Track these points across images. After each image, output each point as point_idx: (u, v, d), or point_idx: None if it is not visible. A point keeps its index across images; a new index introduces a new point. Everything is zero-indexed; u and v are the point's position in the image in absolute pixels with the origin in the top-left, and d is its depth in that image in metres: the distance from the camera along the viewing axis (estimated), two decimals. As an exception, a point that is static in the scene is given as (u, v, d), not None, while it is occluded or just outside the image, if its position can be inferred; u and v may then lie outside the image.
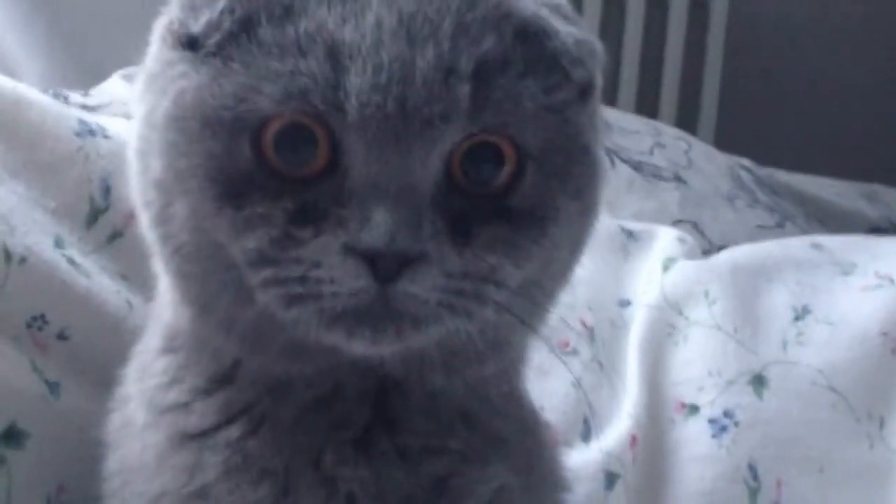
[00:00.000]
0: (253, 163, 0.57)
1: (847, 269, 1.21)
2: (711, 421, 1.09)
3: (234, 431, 0.64)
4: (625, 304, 1.22)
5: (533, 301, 0.63)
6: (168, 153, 0.59)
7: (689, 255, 1.29)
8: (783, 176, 1.97)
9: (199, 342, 0.66)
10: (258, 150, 0.57)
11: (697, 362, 1.14)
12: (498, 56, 0.59)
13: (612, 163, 1.68)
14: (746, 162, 1.95)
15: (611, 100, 2.44)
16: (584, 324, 1.14)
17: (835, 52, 2.70)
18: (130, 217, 0.86)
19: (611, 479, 1.04)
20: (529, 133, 0.60)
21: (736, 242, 1.43)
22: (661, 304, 1.19)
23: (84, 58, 1.81)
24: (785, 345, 1.14)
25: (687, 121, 2.51)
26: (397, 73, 0.56)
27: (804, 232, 1.66)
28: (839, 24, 2.71)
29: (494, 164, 0.59)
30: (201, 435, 0.65)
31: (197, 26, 0.59)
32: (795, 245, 1.31)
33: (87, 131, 0.95)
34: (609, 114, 1.84)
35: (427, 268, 0.56)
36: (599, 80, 0.65)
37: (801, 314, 1.16)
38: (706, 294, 1.19)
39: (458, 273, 0.57)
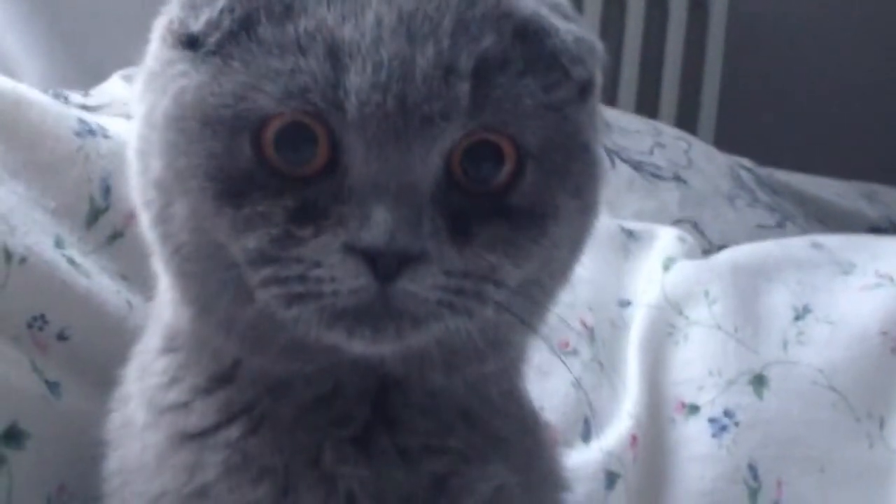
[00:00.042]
0: (253, 162, 0.57)
1: (847, 269, 1.22)
2: (712, 420, 1.10)
3: (234, 431, 0.64)
4: (625, 303, 1.22)
5: (533, 300, 0.64)
6: (168, 152, 0.59)
7: (690, 255, 1.29)
8: (783, 176, 1.97)
9: (199, 342, 0.66)
10: (258, 149, 0.57)
11: (698, 362, 1.14)
12: (498, 54, 0.59)
13: (613, 163, 1.68)
14: (746, 162, 1.95)
15: (611, 100, 2.44)
16: (584, 324, 1.14)
17: (834, 51, 2.70)
18: (130, 217, 0.86)
19: (611, 478, 1.04)
20: (529, 131, 0.60)
21: (736, 242, 1.43)
22: (662, 303, 1.19)
23: (84, 58, 1.81)
24: (785, 344, 1.14)
25: (687, 120, 2.52)
26: (397, 71, 0.56)
27: (804, 231, 1.66)
28: (839, 23, 2.71)
29: (494, 163, 0.59)
30: (201, 434, 0.65)
31: (197, 25, 0.59)
32: (795, 245, 1.31)
33: (87, 131, 0.95)
34: (609, 114, 1.84)
35: (427, 266, 0.56)
36: (599, 79, 0.65)
37: (801, 314, 1.16)
38: (706, 294, 1.19)
39: (457, 272, 0.57)
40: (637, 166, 1.71)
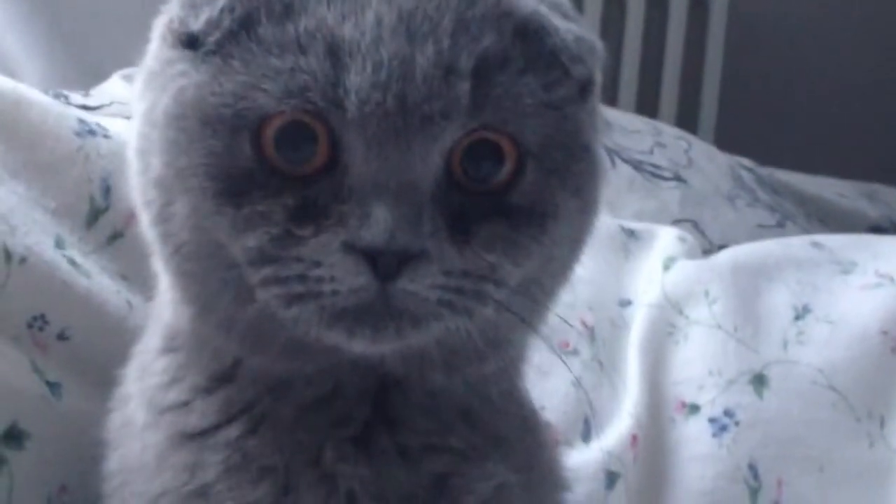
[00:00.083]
0: (253, 161, 0.57)
1: (847, 268, 1.21)
2: (712, 420, 1.09)
3: (234, 430, 0.64)
4: (625, 303, 1.22)
5: (533, 299, 0.64)
6: (168, 151, 0.59)
7: (690, 255, 1.29)
8: (783, 175, 1.97)
9: (199, 341, 0.66)
10: (258, 148, 0.57)
11: (698, 361, 1.14)
12: (498, 53, 0.59)
13: (613, 162, 1.68)
14: (747, 161, 1.95)
15: (611, 99, 2.44)
16: (584, 323, 1.14)
17: (835, 51, 2.70)
18: (131, 217, 0.86)
19: (611, 478, 1.04)
20: (529, 130, 0.60)
21: (736, 242, 1.43)
22: (662, 303, 1.19)
23: (84, 58, 1.80)
24: (785, 344, 1.14)
25: (687, 120, 2.51)
26: (397, 70, 0.56)
27: (805, 231, 1.66)
28: (839, 23, 2.71)
29: (494, 162, 0.59)
30: (201, 434, 0.65)
31: (197, 24, 0.59)
32: (796, 244, 1.31)
33: (88, 131, 0.96)
34: (609, 113, 1.84)
35: (427, 265, 0.56)
36: (599, 78, 0.65)
37: (801, 313, 1.16)
38: (707, 293, 1.19)
39: (457, 271, 0.57)
40: (637, 166, 1.71)
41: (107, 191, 0.94)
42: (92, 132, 0.96)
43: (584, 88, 0.63)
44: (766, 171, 1.94)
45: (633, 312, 1.20)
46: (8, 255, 0.81)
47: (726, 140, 2.29)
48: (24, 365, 0.81)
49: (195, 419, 0.66)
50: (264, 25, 0.58)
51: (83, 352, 0.85)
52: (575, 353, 1.11)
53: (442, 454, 0.65)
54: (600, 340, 1.15)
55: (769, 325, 1.16)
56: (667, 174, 1.73)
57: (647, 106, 2.50)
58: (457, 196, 0.58)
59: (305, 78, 0.56)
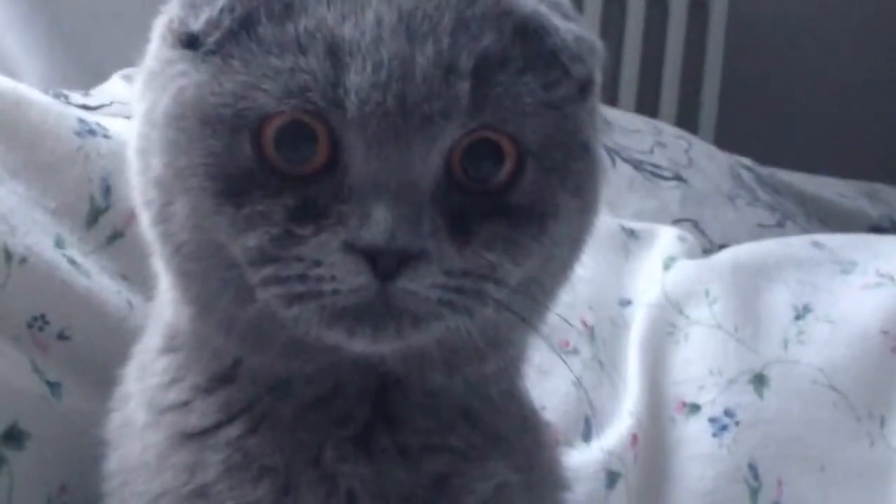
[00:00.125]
0: (253, 161, 0.57)
1: (847, 268, 1.21)
2: (712, 420, 1.10)
3: (234, 430, 0.64)
4: (625, 303, 1.22)
5: (533, 299, 0.63)
6: (168, 151, 0.59)
7: (690, 254, 1.29)
8: (784, 175, 1.97)
9: (199, 341, 0.66)
10: (258, 148, 0.57)
11: (698, 361, 1.14)
12: (497, 53, 0.59)
13: (613, 162, 1.68)
14: (747, 161, 1.95)
15: (611, 99, 2.44)
16: (584, 323, 1.14)
17: (834, 51, 2.70)
18: (131, 217, 0.86)
19: (612, 478, 1.04)
20: (529, 129, 0.60)
21: (737, 241, 1.43)
22: (662, 302, 1.19)
23: (84, 58, 1.81)
24: (786, 343, 1.14)
25: (687, 120, 2.52)
26: (397, 70, 0.56)
27: (805, 231, 1.66)
28: (839, 23, 2.72)
29: (494, 161, 0.59)
30: (201, 434, 0.65)
31: (197, 24, 0.59)
32: (796, 244, 1.31)
33: (88, 131, 0.96)
34: (610, 113, 1.84)
35: (427, 265, 0.56)
36: (599, 77, 0.65)
37: (801, 313, 1.16)
38: (707, 293, 1.19)
39: (457, 270, 0.57)
40: (637, 165, 1.71)
41: (107, 191, 0.94)
42: (92, 132, 0.96)
43: (584, 88, 0.63)
44: (766, 171, 1.94)
45: (633, 312, 1.20)
46: (8, 255, 0.81)
47: (726, 139, 2.29)
48: (24, 365, 0.81)
49: (195, 419, 0.66)
50: (264, 25, 0.58)
51: (83, 352, 0.85)
52: (575, 352, 1.11)
53: (442, 454, 0.65)
54: (600, 340, 1.15)
55: (769, 324, 1.16)
56: (667, 174, 1.73)
57: (647, 105, 2.50)
58: (457, 196, 0.58)
59: (305, 78, 0.56)
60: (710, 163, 1.84)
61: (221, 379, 0.66)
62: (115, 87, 1.35)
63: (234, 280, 0.59)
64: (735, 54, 2.61)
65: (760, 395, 1.10)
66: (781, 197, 1.86)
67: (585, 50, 0.62)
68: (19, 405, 0.79)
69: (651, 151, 1.78)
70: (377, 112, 0.56)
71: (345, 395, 0.65)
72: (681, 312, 1.18)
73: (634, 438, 1.07)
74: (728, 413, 1.09)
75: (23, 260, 0.82)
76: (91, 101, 1.20)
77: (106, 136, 0.96)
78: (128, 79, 1.33)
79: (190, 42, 0.60)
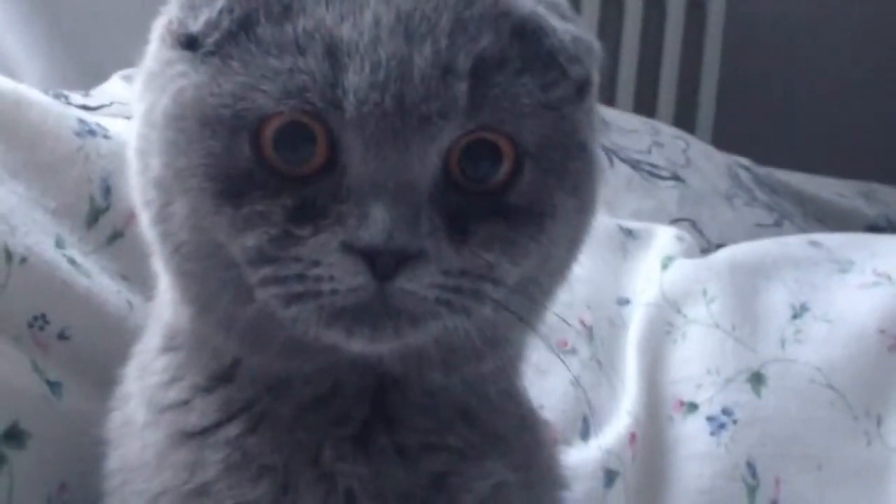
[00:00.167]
0: (252, 161, 0.57)
1: (845, 267, 1.22)
2: (710, 419, 1.10)
3: (233, 429, 0.65)
4: (623, 302, 1.22)
5: (531, 298, 0.64)
6: (167, 152, 0.59)
7: (688, 254, 1.29)
8: (781, 175, 1.97)
9: (198, 340, 0.66)
10: (257, 149, 0.57)
11: (696, 360, 1.14)
12: (495, 53, 0.59)
13: (611, 162, 1.68)
14: (745, 161, 1.95)
15: (609, 99, 2.44)
16: (582, 322, 1.14)
17: (832, 51, 2.71)
18: (131, 217, 0.86)
19: (610, 476, 1.04)
20: (527, 130, 0.60)
21: (734, 241, 1.43)
22: (660, 302, 1.19)
23: (84, 58, 1.81)
24: (783, 343, 1.14)
25: (685, 120, 2.52)
26: (395, 70, 0.56)
27: (802, 230, 1.66)
28: (836, 23, 2.72)
29: (492, 162, 0.59)
30: (201, 433, 0.65)
31: (196, 26, 0.59)
32: (793, 243, 1.32)
33: (88, 131, 0.96)
34: (607, 113, 1.84)
35: (425, 265, 0.56)
36: (596, 78, 0.65)
37: (799, 312, 1.16)
38: (705, 292, 1.19)
39: (455, 270, 0.57)
40: (635, 165, 1.71)
41: (107, 191, 0.94)
42: (92, 132, 0.96)
43: (582, 88, 0.64)
44: (763, 171, 1.94)
45: (631, 311, 1.20)
46: (8, 255, 0.81)
47: (724, 139, 2.29)
48: (24, 365, 0.81)
49: (195, 418, 0.66)
50: (263, 26, 0.58)
51: (83, 351, 0.85)
52: (573, 352, 1.11)
53: (440, 453, 0.65)
54: (599, 339, 1.15)
55: (767, 323, 1.16)
56: (665, 174, 1.73)
57: (644, 105, 2.50)
58: (455, 196, 0.58)
59: (304, 78, 0.56)
60: (708, 163, 1.84)
61: (221, 378, 0.66)
62: (115, 88, 1.36)
63: (233, 280, 0.59)
64: (732, 54, 2.61)
65: (758, 393, 1.11)
66: (779, 197, 1.86)
67: (583, 50, 0.62)
68: (20, 405, 0.79)
69: (649, 151, 1.78)
70: (375, 112, 0.56)
71: (343, 394, 0.65)
72: (679, 312, 1.18)
73: (633, 437, 1.07)
74: (726, 412, 1.10)
75: (23, 260, 0.82)
76: (91, 102, 1.21)
77: (106, 137, 0.96)
78: (128, 79, 1.33)
79: (189, 43, 0.60)
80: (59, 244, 0.88)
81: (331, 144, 0.57)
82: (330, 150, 0.57)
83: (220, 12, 0.58)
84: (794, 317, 1.16)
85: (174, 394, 0.68)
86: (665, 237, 1.32)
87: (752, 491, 1.06)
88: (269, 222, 0.57)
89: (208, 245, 0.60)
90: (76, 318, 0.86)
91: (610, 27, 2.52)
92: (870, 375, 1.10)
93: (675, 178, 1.73)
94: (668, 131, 1.94)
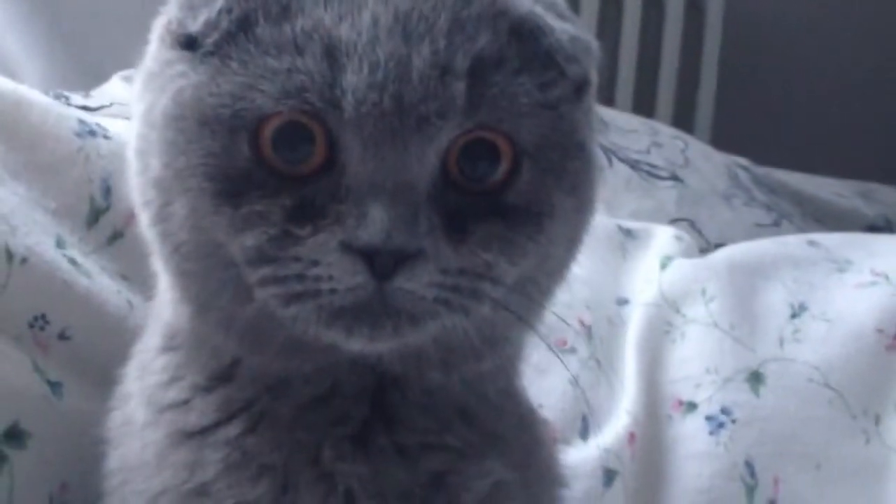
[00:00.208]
0: (251, 161, 0.57)
1: (843, 267, 1.22)
2: (709, 418, 1.10)
3: (233, 429, 0.65)
4: (622, 302, 1.22)
5: (529, 297, 0.64)
6: (167, 152, 0.59)
7: (687, 254, 1.30)
8: (780, 174, 1.97)
9: (198, 340, 0.66)
10: (256, 149, 0.57)
11: (695, 360, 1.14)
12: (493, 53, 0.59)
13: (610, 162, 1.68)
14: (743, 161, 1.95)
15: (608, 99, 2.44)
16: (582, 322, 1.15)
17: (830, 51, 2.71)
18: (131, 217, 0.86)
19: (609, 476, 1.04)
20: (525, 129, 0.60)
21: (733, 241, 1.43)
22: (659, 302, 1.19)
23: (84, 58, 1.81)
24: (781, 342, 1.14)
25: (684, 120, 2.51)
26: (393, 70, 0.56)
27: (801, 230, 1.67)
28: (834, 23, 2.72)
29: (490, 161, 0.59)
30: (201, 432, 0.65)
31: (195, 26, 0.59)
32: (792, 243, 1.32)
33: (88, 132, 0.96)
34: (606, 113, 1.84)
35: (423, 264, 0.56)
36: (594, 77, 0.65)
37: (797, 311, 1.16)
38: (703, 292, 1.19)
39: (454, 269, 0.57)
40: (634, 165, 1.71)
41: (107, 191, 0.94)
42: (92, 133, 0.96)
43: (580, 88, 0.64)
44: (762, 171, 1.94)
45: (630, 311, 1.20)
46: (9, 256, 0.81)
47: (723, 139, 2.29)
48: (25, 365, 0.81)
49: (195, 417, 0.66)
50: (262, 26, 0.58)
51: (84, 351, 0.86)
52: (572, 351, 1.12)
53: (439, 452, 0.65)
54: (598, 339, 1.15)
55: (765, 323, 1.16)
56: (663, 174, 1.73)
57: (643, 106, 2.50)
58: (453, 195, 0.59)
59: (302, 78, 0.56)
60: (707, 163, 1.84)
61: (220, 378, 0.66)
62: (116, 89, 1.36)
63: (232, 279, 0.59)
64: (731, 54, 2.61)
65: (757, 393, 1.11)
66: (777, 196, 1.86)
67: (581, 50, 0.63)
68: (20, 405, 0.79)
69: (648, 151, 1.78)
70: (374, 112, 0.56)
71: (343, 394, 0.65)
72: (677, 311, 1.18)
73: (632, 437, 1.07)
74: (724, 411, 1.10)
75: (24, 260, 0.82)
76: (91, 103, 1.21)
77: (106, 137, 0.97)
78: (128, 80, 1.33)
79: (188, 43, 0.60)
80: (60, 244, 0.88)
81: (329, 144, 0.57)
82: (329, 149, 0.57)
83: (219, 13, 0.59)
84: (793, 316, 1.16)
85: (174, 393, 0.68)
86: (664, 237, 1.32)
87: (750, 490, 1.06)
88: (268, 222, 0.57)
89: (208, 245, 0.60)
90: (76, 318, 0.86)
91: (609, 27, 2.52)
92: (868, 374, 1.11)
93: (674, 178, 1.73)
94: (666, 131, 1.94)
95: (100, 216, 0.93)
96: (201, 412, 0.66)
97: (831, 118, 2.69)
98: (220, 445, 0.64)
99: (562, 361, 1.05)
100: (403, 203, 0.56)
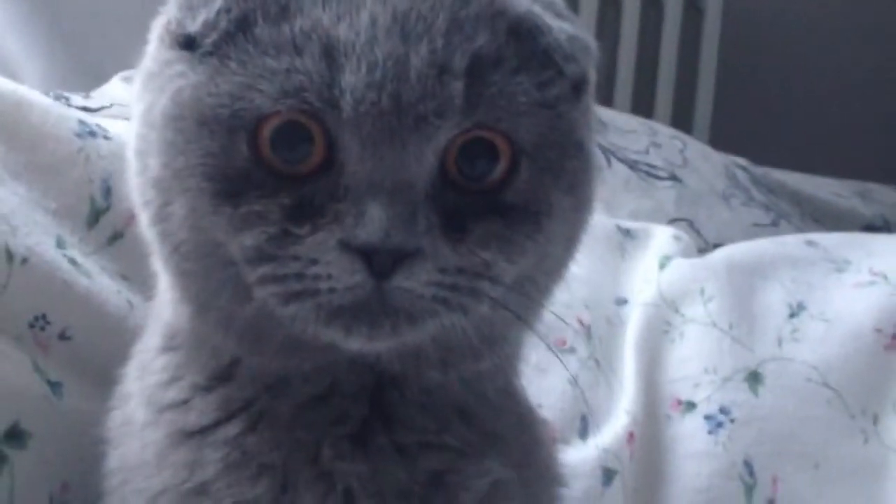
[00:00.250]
0: (250, 161, 0.58)
1: (841, 267, 1.22)
2: (708, 418, 1.10)
3: (232, 428, 0.65)
4: (621, 302, 1.22)
5: (528, 296, 0.64)
6: (166, 152, 0.59)
7: (686, 254, 1.30)
8: (778, 174, 1.97)
9: (198, 340, 0.66)
10: (255, 149, 0.57)
11: (694, 359, 1.14)
12: (491, 52, 0.59)
13: (609, 162, 1.68)
14: (742, 161, 1.95)
15: (607, 99, 2.44)
16: (581, 322, 1.15)
17: (829, 51, 2.71)
18: (131, 218, 0.86)
19: (608, 475, 1.04)
20: (523, 129, 0.60)
21: (731, 240, 1.44)
22: (658, 301, 1.20)
23: (84, 59, 1.81)
24: (780, 341, 1.14)
25: (682, 120, 2.52)
26: (392, 70, 0.57)
27: (799, 230, 1.67)
28: (833, 23, 2.72)
29: (489, 160, 0.60)
30: (201, 432, 0.65)
31: (194, 26, 0.59)
32: (790, 242, 1.32)
33: (88, 132, 0.96)
34: (605, 113, 1.85)
35: (422, 263, 0.56)
36: (593, 76, 0.65)
37: (795, 311, 1.17)
38: (702, 292, 1.20)
39: (452, 268, 0.58)
40: (633, 166, 1.71)
41: (107, 191, 0.94)
42: (92, 133, 0.96)
43: (578, 87, 0.64)
44: (760, 171, 1.95)
45: (629, 311, 1.21)
46: (10, 256, 0.81)
47: (721, 139, 2.29)
48: (25, 365, 0.82)
49: (194, 417, 0.66)
50: (260, 26, 0.58)
51: (84, 351, 0.86)
52: (572, 351, 1.12)
53: (438, 451, 0.65)
54: (597, 339, 1.15)
55: (764, 322, 1.16)
56: (662, 174, 1.73)
57: (642, 106, 2.51)
58: (451, 194, 0.59)
59: (301, 78, 0.57)
60: (705, 163, 1.85)
61: (220, 377, 0.66)
62: (116, 89, 1.36)
63: (231, 279, 0.59)
64: (730, 55, 2.62)
65: (755, 392, 1.11)
66: (776, 196, 1.86)
67: (579, 49, 0.63)
68: (21, 405, 0.79)
69: (646, 151, 1.78)
70: (372, 112, 0.56)
71: (342, 393, 0.65)
72: (676, 311, 1.19)
73: (631, 436, 1.07)
74: (723, 410, 1.10)
75: (24, 260, 0.82)
76: (91, 103, 1.21)
77: (106, 138, 0.97)
78: (128, 80, 1.33)
79: (187, 43, 0.60)
80: (60, 245, 0.88)
81: (328, 144, 0.57)
82: (327, 149, 0.57)
83: (218, 13, 0.59)
84: (791, 316, 1.16)
85: (174, 393, 0.68)
86: (663, 237, 1.32)
87: (749, 489, 1.07)
88: (268, 221, 0.57)
89: (207, 244, 0.60)
90: (77, 318, 0.86)
91: (608, 27, 2.52)
92: (866, 374, 1.11)
93: (673, 178, 1.73)
94: (665, 131, 1.95)
95: (100, 216, 0.93)
96: (201, 412, 0.66)
97: (830, 118, 2.69)
98: (220, 445, 0.65)
99: (561, 361, 1.05)
100: (402, 202, 0.56)
